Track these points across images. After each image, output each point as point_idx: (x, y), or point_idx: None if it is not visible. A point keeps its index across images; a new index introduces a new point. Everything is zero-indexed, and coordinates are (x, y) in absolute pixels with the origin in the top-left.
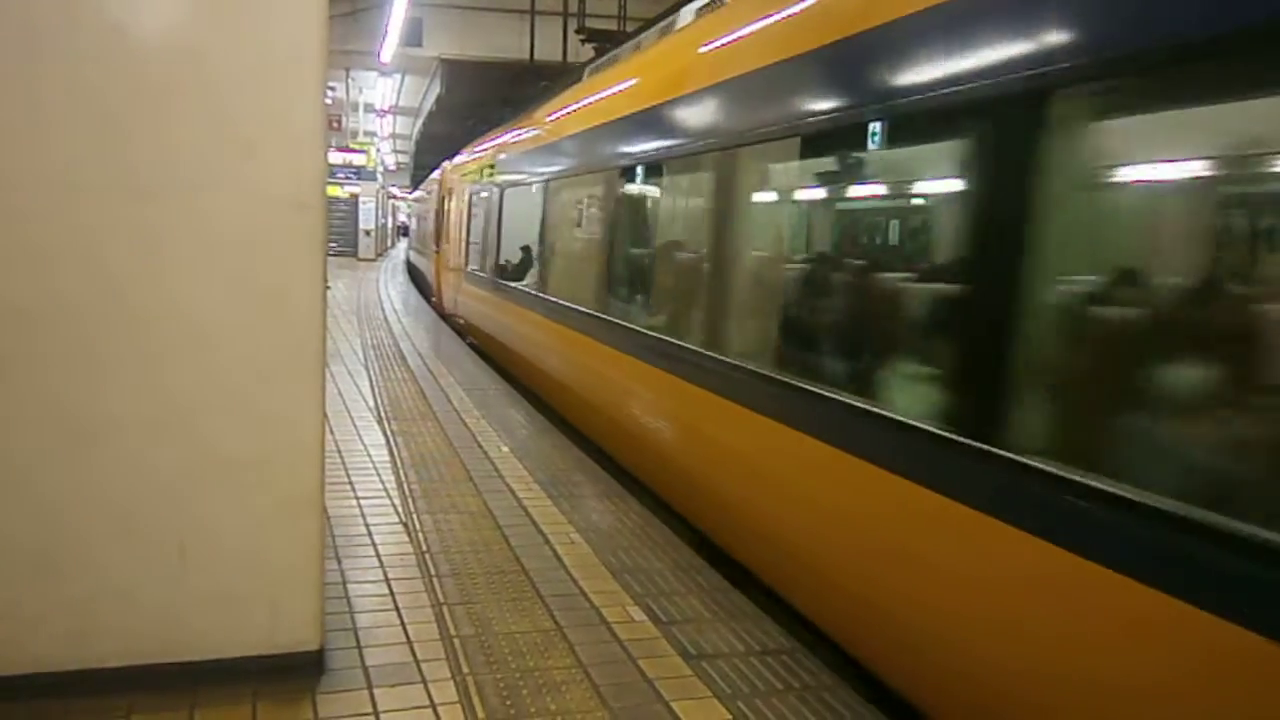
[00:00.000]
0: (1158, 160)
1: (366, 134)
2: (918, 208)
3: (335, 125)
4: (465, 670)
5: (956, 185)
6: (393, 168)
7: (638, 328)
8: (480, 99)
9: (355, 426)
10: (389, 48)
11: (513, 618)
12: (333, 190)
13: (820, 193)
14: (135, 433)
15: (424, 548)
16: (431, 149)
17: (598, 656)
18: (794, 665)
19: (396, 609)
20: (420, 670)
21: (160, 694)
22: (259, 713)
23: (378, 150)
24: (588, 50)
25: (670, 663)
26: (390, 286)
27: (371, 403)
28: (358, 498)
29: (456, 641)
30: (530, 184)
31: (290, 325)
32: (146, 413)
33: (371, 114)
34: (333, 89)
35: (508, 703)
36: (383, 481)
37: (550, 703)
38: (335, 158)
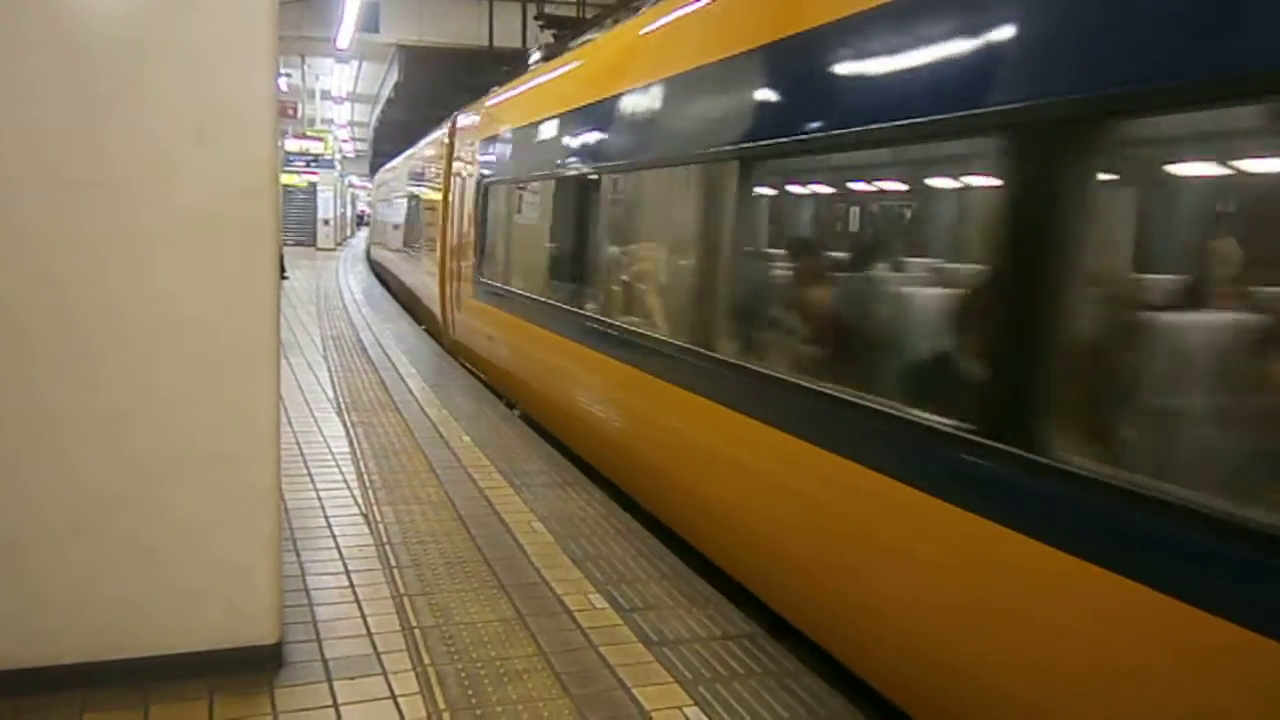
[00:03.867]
0: None
1: (324, 121)
2: None
3: (291, 112)
4: (426, 661)
5: None
6: (351, 155)
7: None
8: (439, 86)
9: (314, 418)
10: (345, 33)
11: (474, 607)
12: (290, 179)
13: None
14: (85, 427)
15: (384, 539)
16: (391, 136)
17: (559, 644)
18: (755, 650)
19: (356, 601)
20: (381, 662)
21: (114, 690)
22: (216, 707)
23: (335, 138)
24: (547, 36)
25: (632, 649)
26: (350, 276)
27: (331, 394)
28: (317, 489)
29: (417, 632)
30: None
31: (244, 315)
32: (96, 406)
33: (328, 101)
34: (288, 75)
35: (469, 692)
36: (342, 473)
37: (512, 691)
38: (292, 145)
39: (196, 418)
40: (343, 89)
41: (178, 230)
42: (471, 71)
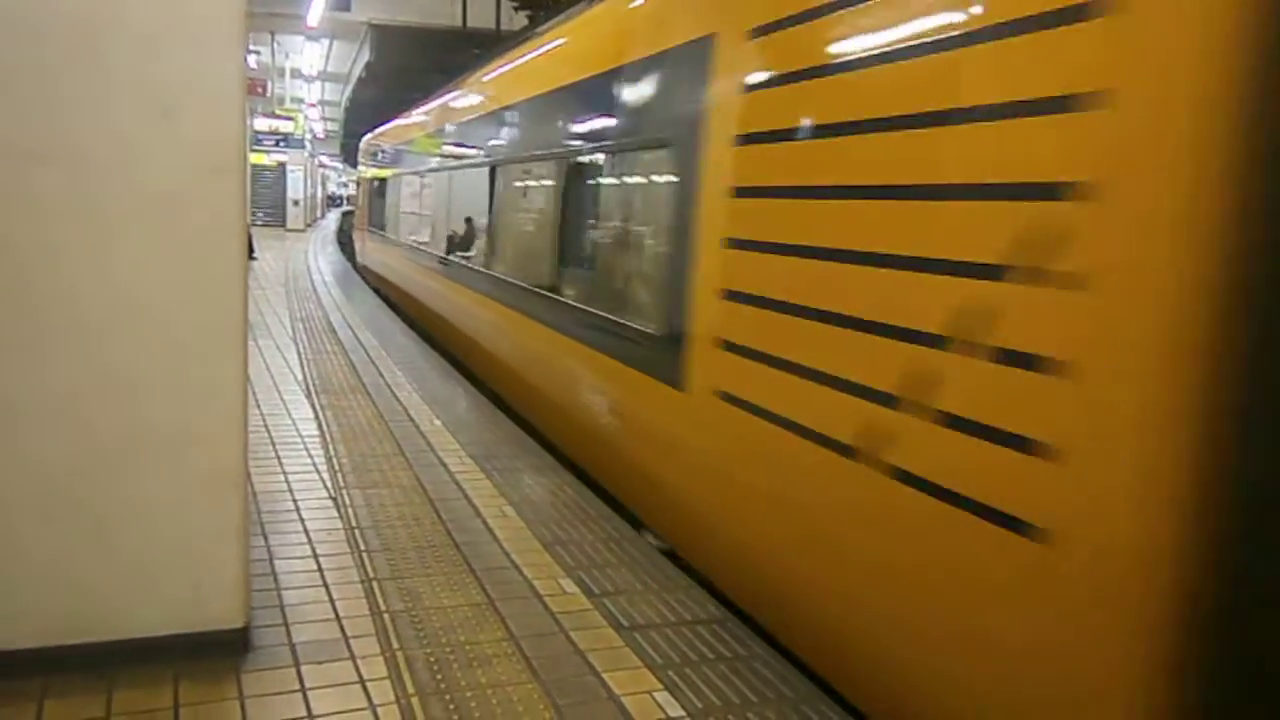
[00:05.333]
0: None
1: (294, 100)
2: None
3: (260, 90)
4: (395, 645)
5: None
6: (321, 136)
7: None
8: (411, 66)
9: (283, 400)
10: (315, 11)
11: (444, 592)
12: (259, 158)
13: None
14: (48, 407)
15: (353, 523)
16: (362, 117)
17: (529, 629)
18: (725, 635)
19: (325, 585)
20: (349, 646)
21: (76, 675)
22: (181, 692)
23: (305, 117)
24: (521, 18)
25: (602, 634)
26: (320, 258)
27: (300, 376)
28: (285, 473)
29: (386, 617)
30: None
31: (210, 294)
32: (59, 386)
33: (299, 80)
34: (257, 53)
35: (438, 677)
36: (311, 456)
37: (481, 676)
38: (261, 124)
39: (161, 399)
40: (313, 68)
41: (141, 208)
42: (444, 52)
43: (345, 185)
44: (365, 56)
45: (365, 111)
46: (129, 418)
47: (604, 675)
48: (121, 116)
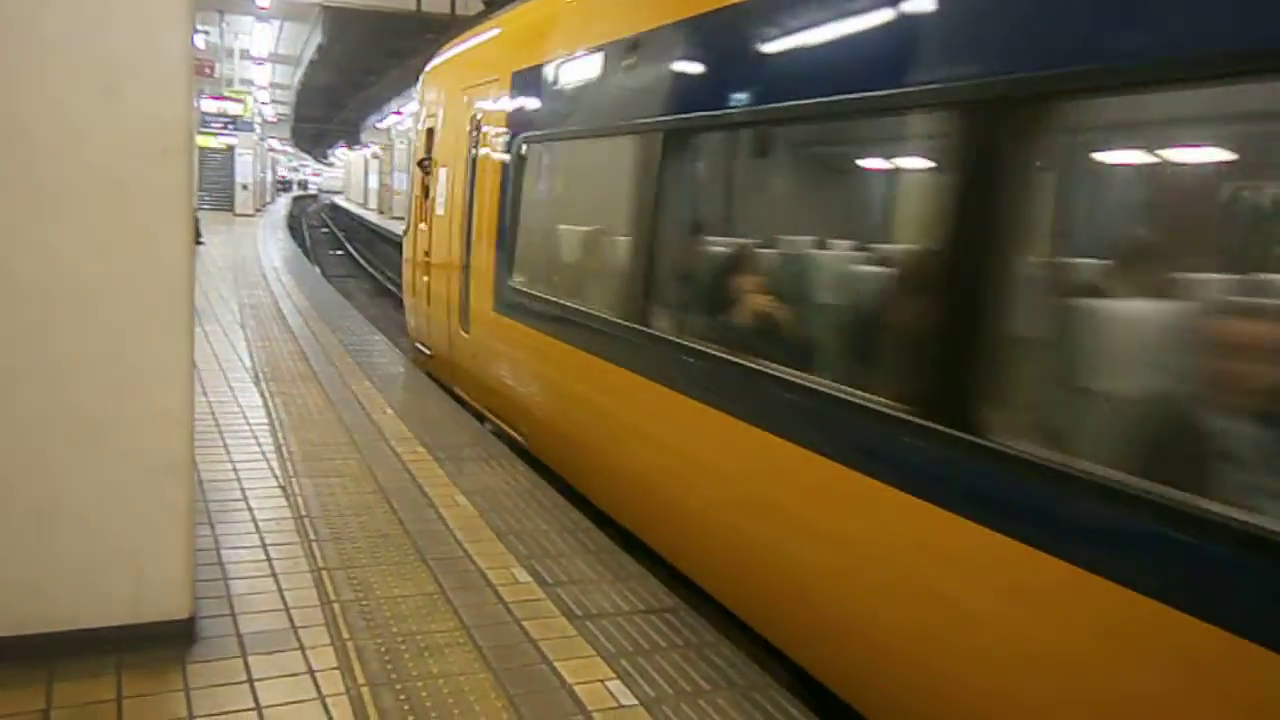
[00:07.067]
0: None
1: (243, 82)
2: None
3: (208, 71)
4: (345, 635)
5: None
6: (272, 119)
7: None
8: (364, 50)
9: (231, 388)
10: None
11: (395, 581)
12: (206, 141)
13: None
14: None
15: (303, 512)
16: (313, 101)
17: (481, 618)
18: (677, 623)
19: (273, 575)
20: (298, 636)
21: (15, 668)
22: (124, 684)
23: (255, 100)
24: (477, 3)
25: (555, 623)
26: (270, 243)
27: (248, 363)
28: (233, 461)
29: (336, 607)
30: None
31: (155, 278)
32: None
33: (248, 61)
34: (205, 33)
35: (389, 666)
36: (260, 444)
37: (432, 665)
38: (209, 106)
39: (103, 385)
40: (263, 49)
41: (82, 189)
42: (398, 36)
43: (296, 170)
44: (317, 39)
45: (317, 95)
46: (69, 404)
47: (556, 664)
48: (62, 95)
